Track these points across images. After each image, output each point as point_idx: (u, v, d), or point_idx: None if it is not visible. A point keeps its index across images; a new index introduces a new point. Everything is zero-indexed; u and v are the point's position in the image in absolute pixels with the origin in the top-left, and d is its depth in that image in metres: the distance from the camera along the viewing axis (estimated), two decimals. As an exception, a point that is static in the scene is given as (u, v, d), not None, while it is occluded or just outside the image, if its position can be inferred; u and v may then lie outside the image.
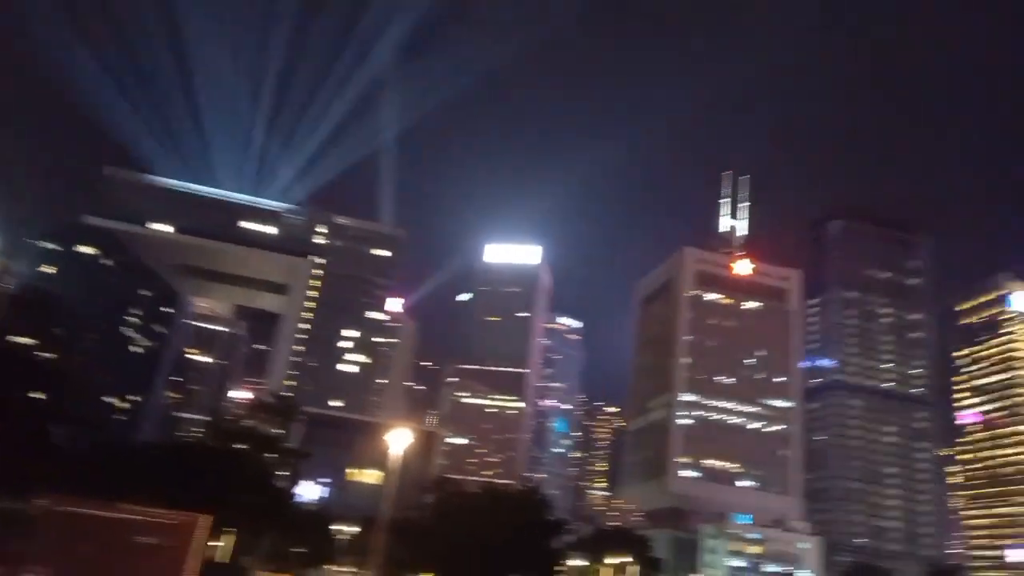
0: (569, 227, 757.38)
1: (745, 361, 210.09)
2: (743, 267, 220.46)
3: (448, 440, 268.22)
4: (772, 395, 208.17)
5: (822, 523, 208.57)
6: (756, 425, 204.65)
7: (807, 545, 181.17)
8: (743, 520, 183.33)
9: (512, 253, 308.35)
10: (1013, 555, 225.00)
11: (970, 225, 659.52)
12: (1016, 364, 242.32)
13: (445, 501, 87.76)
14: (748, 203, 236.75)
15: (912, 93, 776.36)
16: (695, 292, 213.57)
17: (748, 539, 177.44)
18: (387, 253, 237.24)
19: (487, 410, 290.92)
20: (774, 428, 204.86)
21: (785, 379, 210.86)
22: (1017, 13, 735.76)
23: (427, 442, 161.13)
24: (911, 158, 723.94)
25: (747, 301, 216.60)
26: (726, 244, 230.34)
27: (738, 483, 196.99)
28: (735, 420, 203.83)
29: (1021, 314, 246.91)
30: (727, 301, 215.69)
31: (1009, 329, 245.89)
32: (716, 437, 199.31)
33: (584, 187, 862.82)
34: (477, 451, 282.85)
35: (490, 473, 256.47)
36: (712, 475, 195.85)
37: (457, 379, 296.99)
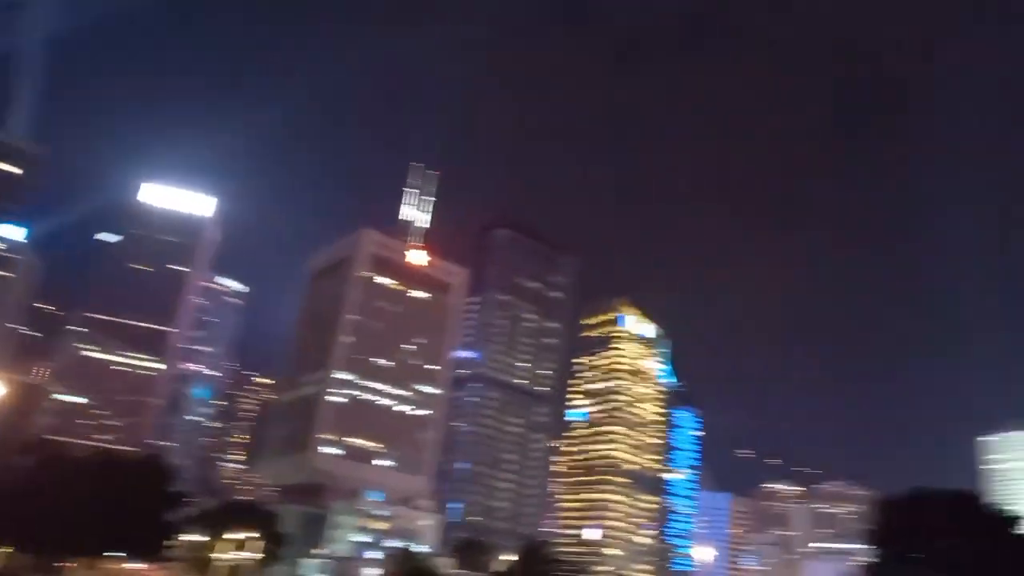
0: (251, 187, 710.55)
1: (403, 346, 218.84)
2: (418, 257, 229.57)
3: (59, 397, 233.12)
4: (423, 381, 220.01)
5: (448, 502, 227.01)
6: (403, 408, 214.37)
7: (428, 522, 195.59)
8: (375, 497, 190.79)
9: (176, 198, 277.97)
10: (588, 533, 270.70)
11: (610, 250, 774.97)
12: (618, 375, 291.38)
13: (43, 465, 76.79)
14: (433, 198, 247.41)
15: (584, 120, 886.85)
16: (368, 273, 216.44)
17: (376, 516, 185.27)
18: (15, 169, 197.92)
19: (114, 368, 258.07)
20: (419, 412, 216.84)
21: (437, 367, 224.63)
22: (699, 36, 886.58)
23: (29, 397, 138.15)
24: (573, 181, 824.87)
25: (415, 290, 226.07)
26: (405, 233, 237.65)
27: (377, 462, 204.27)
28: (385, 401, 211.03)
29: (629, 333, 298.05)
30: (396, 287, 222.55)
31: (617, 345, 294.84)
32: (364, 416, 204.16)
33: (274, 149, 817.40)
34: (96, 412, 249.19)
35: (109, 438, 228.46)
36: (354, 453, 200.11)
37: (85, 329, 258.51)
